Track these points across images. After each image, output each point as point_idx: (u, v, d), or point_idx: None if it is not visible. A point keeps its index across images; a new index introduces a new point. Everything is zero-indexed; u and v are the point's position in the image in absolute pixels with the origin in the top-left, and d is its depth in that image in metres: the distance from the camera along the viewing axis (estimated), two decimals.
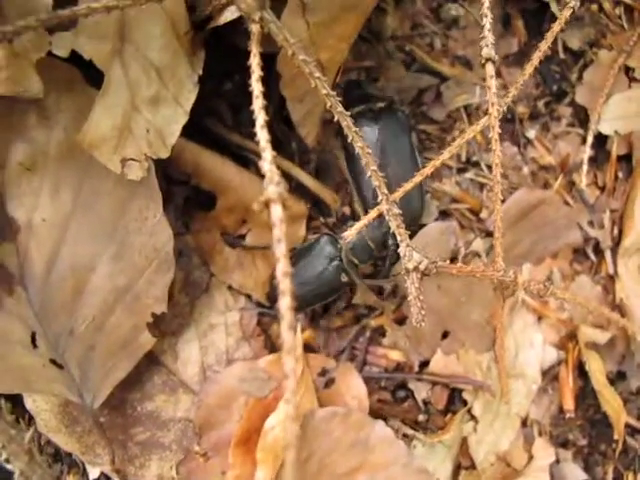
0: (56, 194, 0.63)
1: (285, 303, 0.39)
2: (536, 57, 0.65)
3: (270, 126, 0.70)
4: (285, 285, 0.39)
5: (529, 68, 0.64)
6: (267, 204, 0.42)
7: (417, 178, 0.60)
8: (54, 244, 0.64)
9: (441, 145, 0.77)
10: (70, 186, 0.62)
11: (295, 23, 0.61)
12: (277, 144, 0.75)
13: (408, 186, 0.60)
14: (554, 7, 0.79)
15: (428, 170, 0.60)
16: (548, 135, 0.79)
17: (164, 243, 0.62)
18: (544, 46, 0.66)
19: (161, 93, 0.59)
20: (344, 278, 0.68)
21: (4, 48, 0.56)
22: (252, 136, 0.73)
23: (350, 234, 0.57)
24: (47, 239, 0.64)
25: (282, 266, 0.40)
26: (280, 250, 0.40)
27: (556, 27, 0.67)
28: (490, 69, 0.58)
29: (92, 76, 0.60)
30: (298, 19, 0.61)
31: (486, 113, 0.61)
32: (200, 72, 0.62)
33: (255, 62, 0.49)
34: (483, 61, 0.58)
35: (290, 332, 0.38)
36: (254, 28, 0.50)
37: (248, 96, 0.47)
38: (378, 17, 0.77)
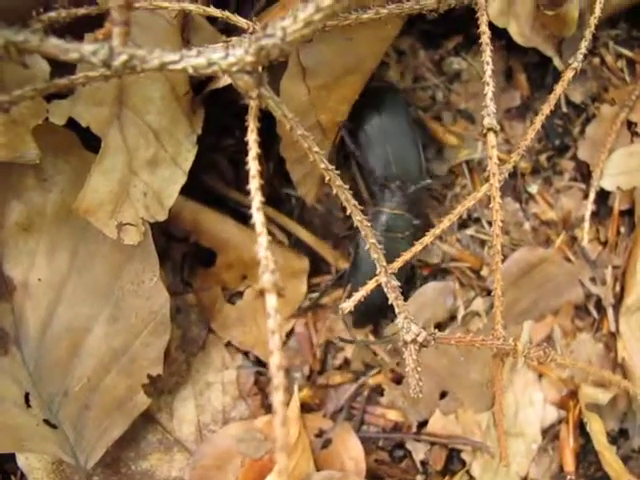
0: (52, 255, 0.62)
1: (278, 399, 0.38)
2: (538, 120, 0.65)
3: (270, 183, 0.69)
4: (279, 380, 0.38)
5: (531, 133, 0.64)
6: (262, 293, 0.41)
7: (416, 247, 0.59)
8: (50, 304, 0.63)
9: (442, 201, 0.76)
10: (66, 248, 0.62)
11: (295, 88, 0.61)
12: (277, 200, 0.75)
13: (406, 256, 0.59)
14: (556, 61, 0.79)
15: (428, 239, 0.59)
16: (550, 189, 0.79)
17: (160, 306, 0.62)
18: (546, 109, 0.65)
19: (159, 155, 0.59)
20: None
21: (1, 116, 0.56)
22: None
23: (348, 306, 0.56)
24: (43, 299, 0.63)
25: (275, 359, 0.39)
26: (274, 343, 0.40)
27: (559, 89, 0.66)
28: (492, 139, 0.58)
29: (90, 139, 0.60)
30: (298, 84, 0.61)
31: (488, 178, 0.60)
32: (199, 132, 0.62)
33: (252, 138, 0.48)
34: (485, 131, 0.58)
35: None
36: (252, 103, 0.49)
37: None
38: (380, 70, 0.77)
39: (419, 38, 0.80)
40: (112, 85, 0.56)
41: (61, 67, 0.52)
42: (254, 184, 0.46)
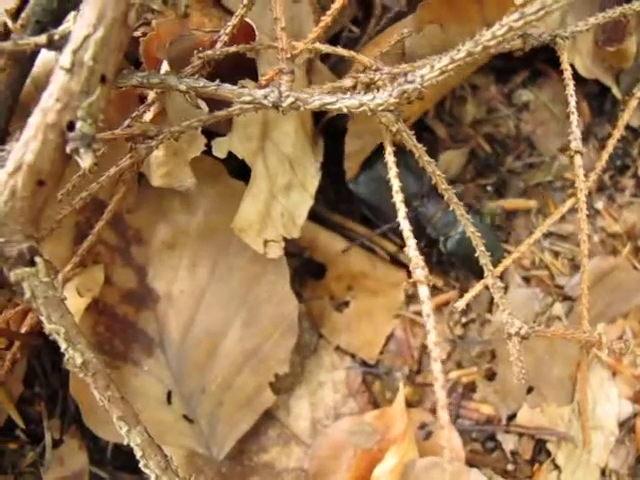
0: (194, 269, 0.72)
1: (437, 368, 0.46)
2: (610, 144, 0.74)
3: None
4: (436, 353, 0.47)
5: (605, 155, 0.73)
6: (415, 284, 0.50)
7: (514, 255, 0.68)
8: (190, 312, 0.72)
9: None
10: (207, 262, 0.71)
11: None
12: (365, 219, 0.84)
13: (507, 261, 0.68)
14: (615, 90, 0.89)
15: (524, 247, 0.68)
16: (614, 205, 0.88)
17: (290, 311, 0.71)
18: (616, 134, 0.75)
19: (293, 181, 0.68)
20: None
21: (165, 148, 0.66)
22: (351, 213, 0.83)
23: (460, 306, 0.65)
24: (184, 308, 0.72)
25: (432, 337, 0.48)
26: (430, 323, 0.48)
27: (625, 116, 0.76)
28: (578, 160, 0.67)
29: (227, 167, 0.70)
30: None
31: (571, 195, 0.70)
32: (321, 159, 0.72)
33: (391, 160, 0.58)
34: (572, 153, 0.67)
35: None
36: (388, 135, 0.59)
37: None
38: (459, 104, 0.87)
39: (491, 74, 0.90)
40: (258, 122, 0.66)
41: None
42: (398, 198, 0.55)
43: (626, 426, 0.82)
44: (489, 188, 0.86)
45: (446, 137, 0.86)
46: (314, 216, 0.78)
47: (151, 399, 0.72)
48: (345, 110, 0.55)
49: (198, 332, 0.72)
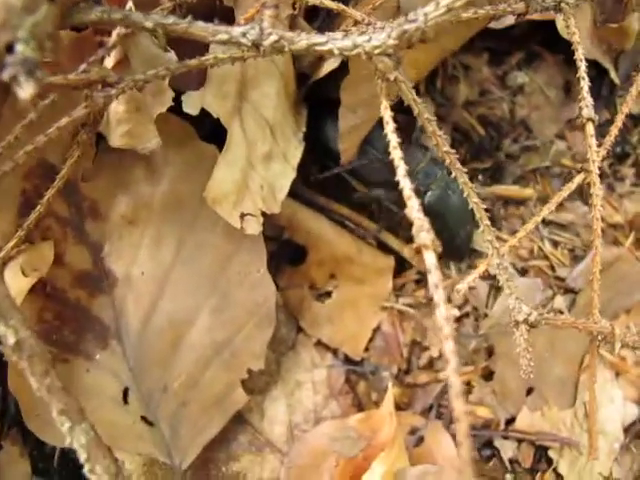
0: (157, 247, 0.63)
1: (449, 347, 0.39)
2: (614, 128, 0.69)
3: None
4: (448, 330, 0.39)
5: (608, 139, 0.67)
6: (418, 250, 0.43)
7: (513, 240, 0.62)
8: (152, 297, 0.63)
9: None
10: (173, 239, 0.63)
11: None
12: (361, 205, 0.77)
13: (505, 247, 0.62)
14: (613, 74, 0.84)
15: (522, 233, 0.61)
16: (614, 195, 0.82)
17: (266, 298, 0.62)
18: (619, 119, 0.69)
19: (273, 150, 0.61)
20: None
21: (126, 102, 0.58)
22: (336, 197, 0.75)
23: (463, 287, 0.57)
24: (145, 292, 0.63)
25: (442, 311, 0.40)
26: (439, 295, 0.41)
27: (630, 99, 0.71)
28: (590, 128, 0.61)
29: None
30: None
31: (580, 170, 0.64)
32: (304, 129, 0.65)
33: (387, 114, 0.50)
34: (584, 121, 0.61)
35: (456, 376, 0.38)
36: (383, 85, 0.52)
37: None
38: (451, 84, 0.81)
39: (484, 55, 0.85)
40: (235, 79, 0.58)
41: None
42: (396, 154, 0.48)
43: (631, 431, 0.76)
44: (483, 174, 0.80)
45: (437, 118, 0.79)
46: (292, 194, 0.71)
47: (105, 398, 0.63)
48: (337, 52, 0.48)
49: (161, 321, 0.63)
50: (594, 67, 0.84)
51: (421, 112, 0.53)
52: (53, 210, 0.61)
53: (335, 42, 0.48)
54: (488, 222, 0.56)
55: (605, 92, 0.85)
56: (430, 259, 0.42)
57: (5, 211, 0.60)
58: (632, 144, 0.83)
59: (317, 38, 0.48)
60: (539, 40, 0.85)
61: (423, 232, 0.43)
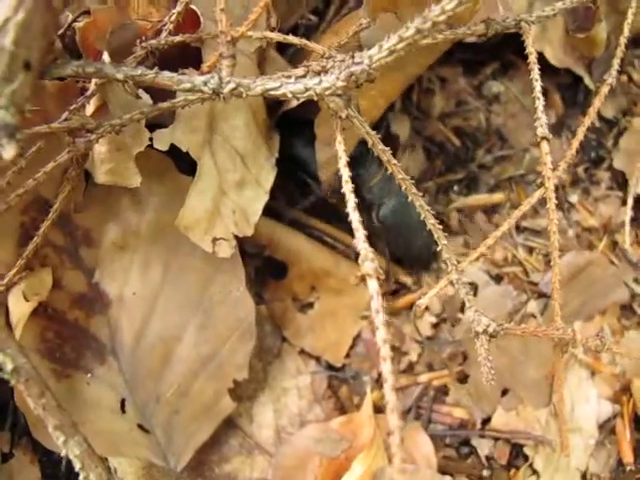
0: (146, 270, 0.68)
1: (387, 368, 0.43)
2: (580, 132, 0.71)
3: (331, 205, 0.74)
4: (385, 352, 0.43)
5: (575, 143, 0.70)
6: (363, 278, 0.47)
7: (481, 249, 0.65)
8: (143, 316, 0.69)
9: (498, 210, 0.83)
10: (159, 263, 0.68)
11: None
12: (338, 219, 0.81)
13: (472, 256, 0.65)
14: (587, 80, 0.86)
15: (491, 240, 0.65)
16: (589, 199, 0.85)
17: (247, 314, 0.67)
18: (587, 121, 0.72)
19: (245, 177, 0.65)
20: None
21: (108, 143, 0.63)
22: (317, 213, 0.79)
23: (424, 302, 0.61)
24: (137, 311, 0.69)
25: (381, 333, 0.44)
26: (379, 319, 0.45)
27: (597, 102, 0.73)
28: (545, 146, 0.64)
29: (179, 164, 0.67)
30: None
31: (540, 185, 0.67)
32: (276, 154, 0.69)
33: (341, 149, 0.54)
34: (539, 139, 0.64)
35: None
36: (339, 122, 0.56)
37: None
38: (427, 97, 0.84)
39: (459, 66, 0.87)
40: (204, 114, 0.63)
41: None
42: (347, 188, 0.52)
43: (606, 428, 0.79)
44: (458, 185, 0.83)
45: (413, 132, 0.83)
46: (272, 213, 0.75)
47: (104, 408, 0.69)
48: (290, 95, 0.52)
49: (152, 337, 0.69)
50: (570, 74, 0.87)
51: (375, 143, 0.57)
52: (50, 239, 0.67)
53: (288, 86, 0.52)
54: (445, 242, 0.60)
55: (581, 98, 0.87)
56: (372, 287, 0.46)
57: (6, 242, 0.66)
58: (607, 148, 0.85)
59: (271, 84, 0.52)
60: (513, 50, 0.87)
61: (367, 261, 0.47)
